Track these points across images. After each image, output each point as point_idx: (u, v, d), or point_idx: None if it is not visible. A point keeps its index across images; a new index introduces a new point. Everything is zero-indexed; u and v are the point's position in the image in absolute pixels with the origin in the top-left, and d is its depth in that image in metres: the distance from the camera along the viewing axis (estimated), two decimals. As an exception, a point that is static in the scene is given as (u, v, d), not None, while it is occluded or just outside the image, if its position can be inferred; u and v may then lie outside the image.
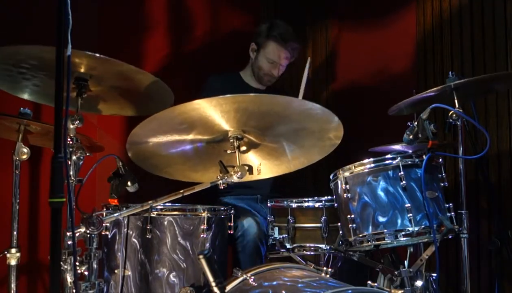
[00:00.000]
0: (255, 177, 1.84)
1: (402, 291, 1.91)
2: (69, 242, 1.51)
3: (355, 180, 1.99)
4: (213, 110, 1.57)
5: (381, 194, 1.93)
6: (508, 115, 2.76)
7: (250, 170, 1.70)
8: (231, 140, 1.68)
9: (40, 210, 2.63)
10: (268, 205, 2.34)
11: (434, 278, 2.01)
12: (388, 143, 2.53)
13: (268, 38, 2.88)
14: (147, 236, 1.92)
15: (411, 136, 1.95)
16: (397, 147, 2.50)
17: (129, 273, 1.95)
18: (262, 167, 1.89)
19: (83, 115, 1.68)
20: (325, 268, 2.10)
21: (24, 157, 2.01)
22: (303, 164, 1.92)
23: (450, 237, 1.94)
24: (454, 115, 1.98)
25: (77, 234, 1.53)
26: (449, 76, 2.10)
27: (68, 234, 1.51)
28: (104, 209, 1.98)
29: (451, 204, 1.96)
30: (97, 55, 1.60)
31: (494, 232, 2.74)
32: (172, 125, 1.63)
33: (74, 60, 1.59)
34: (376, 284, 2.00)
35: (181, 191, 1.67)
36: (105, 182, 1.83)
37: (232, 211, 2.14)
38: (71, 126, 1.66)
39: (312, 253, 2.24)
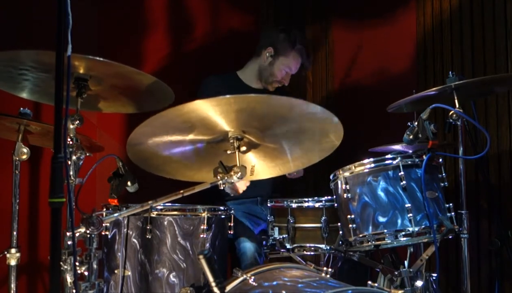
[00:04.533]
0: (249, 177, 1.84)
1: (402, 291, 1.91)
2: (69, 242, 1.51)
3: (355, 180, 1.99)
4: (218, 111, 1.56)
5: (381, 194, 1.93)
6: (508, 115, 2.76)
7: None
8: (231, 141, 1.68)
9: (40, 210, 2.63)
10: (268, 205, 2.34)
11: (434, 278, 2.01)
12: (388, 143, 2.53)
13: (293, 49, 2.90)
14: (147, 236, 1.92)
15: (411, 137, 1.95)
16: (397, 147, 2.50)
17: (129, 273, 1.95)
18: (262, 167, 1.89)
19: (83, 115, 1.68)
20: (325, 268, 2.10)
21: (24, 157, 2.01)
22: (303, 165, 1.92)
23: (450, 237, 1.94)
24: (454, 115, 1.98)
25: (77, 234, 1.53)
26: (449, 76, 2.10)
27: (68, 234, 1.50)
28: (104, 209, 1.98)
29: (451, 204, 1.97)
30: (97, 58, 1.60)
31: (494, 232, 2.74)
32: (175, 124, 1.62)
33: (73, 62, 1.59)
34: (376, 284, 2.00)
35: (181, 191, 1.67)
36: (105, 182, 1.82)
37: (232, 211, 2.14)
38: (71, 126, 1.65)
39: (312, 253, 2.24)
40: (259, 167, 1.88)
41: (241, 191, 2.57)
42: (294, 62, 2.93)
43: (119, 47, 2.92)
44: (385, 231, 1.91)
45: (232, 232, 2.15)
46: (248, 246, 2.47)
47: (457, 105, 2.03)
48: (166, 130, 1.65)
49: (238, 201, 2.77)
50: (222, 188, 1.67)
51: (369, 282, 1.99)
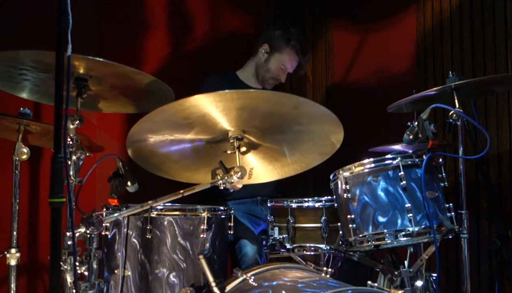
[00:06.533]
0: (247, 181, 1.83)
1: (402, 291, 1.91)
2: (69, 242, 1.51)
3: (355, 180, 1.99)
4: (220, 107, 1.55)
5: (381, 194, 1.93)
6: (508, 115, 2.76)
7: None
8: (231, 141, 1.68)
9: (40, 210, 2.63)
10: (268, 205, 2.34)
11: (434, 278, 2.01)
12: (388, 143, 2.53)
13: (288, 45, 2.91)
14: (147, 236, 1.92)
15: (411, 137, 1.95)
16: (397, 147, 2.50)
17: (129, 273, 1.95)
18: (260, 170, 1.89)
19: (83, 115, 1.68)
20: (325, 268, 2.10)
21: (24, 157, 2.01)
22: (301, 169, 1.91)
23: (450, 237, 1.94)
24: (454, 115, 1.98)
25: (77, 234, 1.53)
26: (449, 76, 2.10)
27: (68, 234, 1.50)
28: (104, 209, 1.98)
29: (451, 204, 1.96)
30: (96, 59, 1.60)
31: (494, 232, 2.74)
32: (176, 120, 1.61)
33: (73, 62, 1.59)
34: (376, 284, 2.00)
35: (181, 191, 1.67)
36: (105, 182, 1.82)
37: (232, 211, 2.14)
38: (71, 126, 1.66)
39: (312, 253, 2.24)
40: (258, 169, 1.88)
41: (239, 186, 2.56)
42: (289, 59, 2.93)
43: (119, 47, 2.92)
44: (385, 231, 1.91)
45: (232, 232, 2.15)
46: (249, 248, 2.47)
47: (457, 105, 2.03)
48: (167, 126, 1.64)
49: (238, 201, 2.77)
50: (222, 188, 1.68)
51: (369, 282, 1.99)
